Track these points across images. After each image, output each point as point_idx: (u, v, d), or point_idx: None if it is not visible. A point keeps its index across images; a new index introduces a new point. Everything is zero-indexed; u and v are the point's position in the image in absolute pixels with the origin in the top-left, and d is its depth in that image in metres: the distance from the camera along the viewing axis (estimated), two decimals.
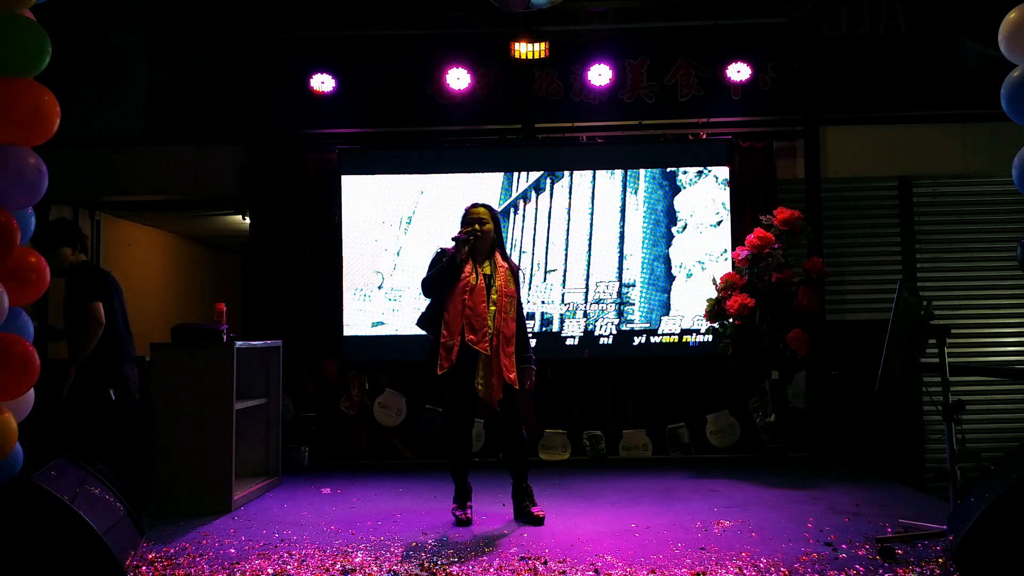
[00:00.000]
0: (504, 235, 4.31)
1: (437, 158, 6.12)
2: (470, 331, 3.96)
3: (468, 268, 4.04)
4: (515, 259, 5.53)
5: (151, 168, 6.28)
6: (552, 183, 6.07)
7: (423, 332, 4.19)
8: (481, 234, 4.07)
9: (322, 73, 6.01)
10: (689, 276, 5.97)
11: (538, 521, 3.99)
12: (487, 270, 4.08)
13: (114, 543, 3.09)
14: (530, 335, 4.76)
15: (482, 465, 5.52)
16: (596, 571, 3.20)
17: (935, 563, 3.21)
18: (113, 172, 6.28)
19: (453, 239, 4.04)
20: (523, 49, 5.79)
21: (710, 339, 5.85)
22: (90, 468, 3.43)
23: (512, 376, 4.01)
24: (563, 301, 6.01)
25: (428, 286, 4.11)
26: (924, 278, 6.43)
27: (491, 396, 3.96)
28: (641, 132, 6.21)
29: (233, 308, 5.14)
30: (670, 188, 6.04)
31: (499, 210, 5.97)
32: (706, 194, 6.01)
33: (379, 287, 6.03)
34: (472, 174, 6.07)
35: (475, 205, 4.18)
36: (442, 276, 4.04)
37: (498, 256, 4.15)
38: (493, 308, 4.00)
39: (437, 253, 4.19)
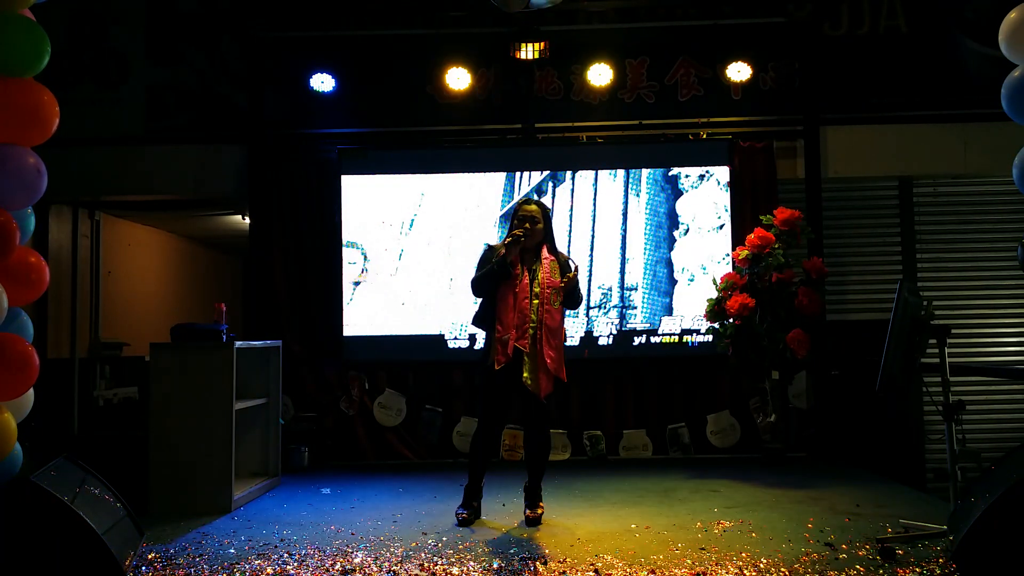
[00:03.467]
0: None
1: (437, 158, 6.11)
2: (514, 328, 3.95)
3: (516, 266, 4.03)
4: None
5: (151, 168, 6.28)
6: (554, 186, 6.06)
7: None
8: (532, 233, 4.02)
9: (322, 73, 6.00)
10: (691, 280, 5.97)
11: (536, 521, 3.99)
12: (532, 264, 4.05)
13: (114, 543, 3.09)
14: None
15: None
16: (596, 571, 3.20)
17: (935, 563, 3.21)
18: (113, 172, 6.28)
19: (506, 242, 3.98)
20: (524, 50, 5.79)
21: (710, 339, 5.84)
22: (90, 468, 3.43)
23: (560, 368, 4.02)
24: None
25: (478, 286, 4.09)
26: (924, 278, 6.42)
27: (539, 389, 3.95)
28: (641, 132, 6.20)
29: (233, 308, 5.14)
30: (672, 191, 6.03)
31: (501, 212, 5.99)
32: (708, 198, 6.01)
33: (379, 287, 6.03)
34: (473, 174, 6.06)
35: (527, 201, 4.15)
36: (492, 276, 4.00)
37: (544, 250, 4.10)
38: (536, 301, 3.98)
39: (485, 251, 4.16)
